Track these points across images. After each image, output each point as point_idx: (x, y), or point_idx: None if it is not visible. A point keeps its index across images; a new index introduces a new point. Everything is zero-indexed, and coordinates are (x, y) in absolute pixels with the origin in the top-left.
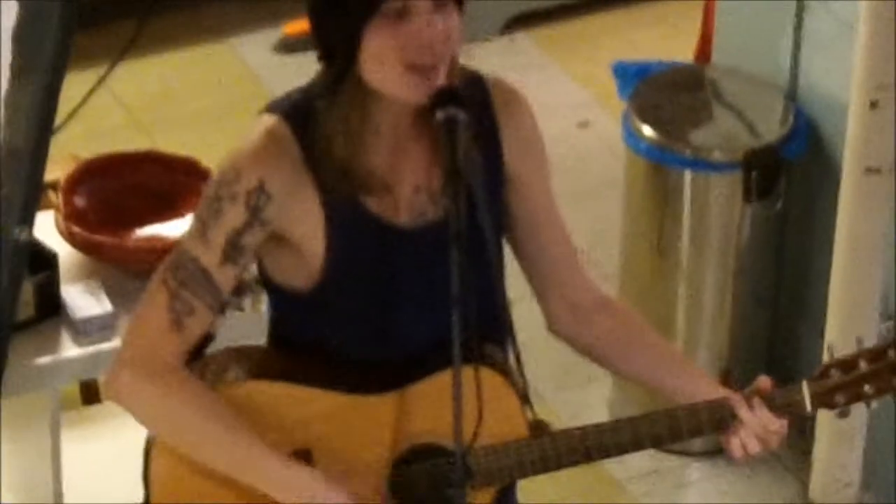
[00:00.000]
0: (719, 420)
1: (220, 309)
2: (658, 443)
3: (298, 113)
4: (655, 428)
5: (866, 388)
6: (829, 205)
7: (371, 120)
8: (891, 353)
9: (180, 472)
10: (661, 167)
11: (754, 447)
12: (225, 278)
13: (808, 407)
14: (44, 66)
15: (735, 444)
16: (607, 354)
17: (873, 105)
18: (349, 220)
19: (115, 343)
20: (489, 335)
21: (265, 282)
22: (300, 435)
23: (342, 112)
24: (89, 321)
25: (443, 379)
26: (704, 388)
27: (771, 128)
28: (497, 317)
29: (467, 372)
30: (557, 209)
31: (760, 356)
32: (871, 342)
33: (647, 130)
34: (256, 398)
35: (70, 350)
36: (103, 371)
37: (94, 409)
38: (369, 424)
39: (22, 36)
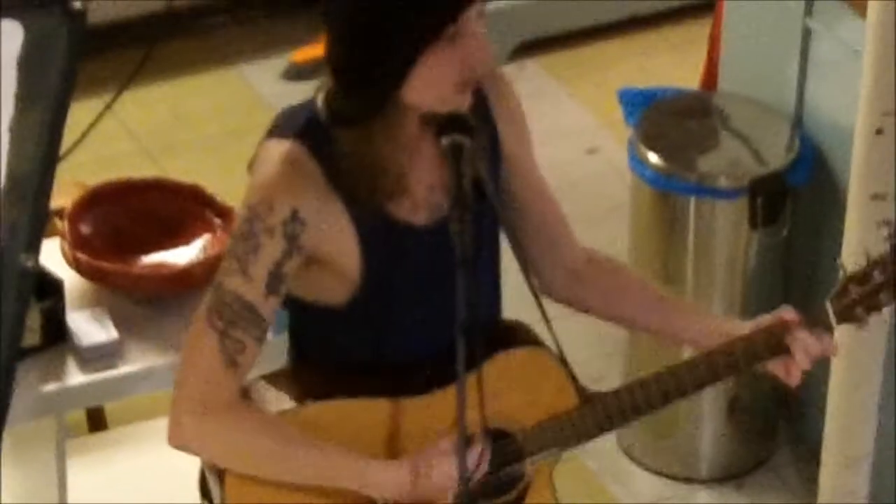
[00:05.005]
0: (775, 346)
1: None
2: (714, 377)
3: (312, 132)
4: (713, 358)
5: (881, 296)
6: (834, 231)
7: (393, 132)
8: None
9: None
10: (666, 193)
11: (806, 365)
12: (269, 309)
13: (835, 324)
14: (50, 92)
15: (792, 367)
16: (608, 306)
17: (879, 132)
18: (379, 230)
19: (120, 370)
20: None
21: (290, 303)
22: (363, 446)
23: (366, 130)
24: (95, 348)
25: (497, 364)
26: (712, 321)
27: (777, 154)
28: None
29: (520, 355)
30: (543, 176)
31: (766, 382)
32: None
33: (653, 157)
34: (315, 420)
35: (76, 377)
36: (109, 398)
37: (99, 437)
38: (423, 422)
39: (28, 62)
